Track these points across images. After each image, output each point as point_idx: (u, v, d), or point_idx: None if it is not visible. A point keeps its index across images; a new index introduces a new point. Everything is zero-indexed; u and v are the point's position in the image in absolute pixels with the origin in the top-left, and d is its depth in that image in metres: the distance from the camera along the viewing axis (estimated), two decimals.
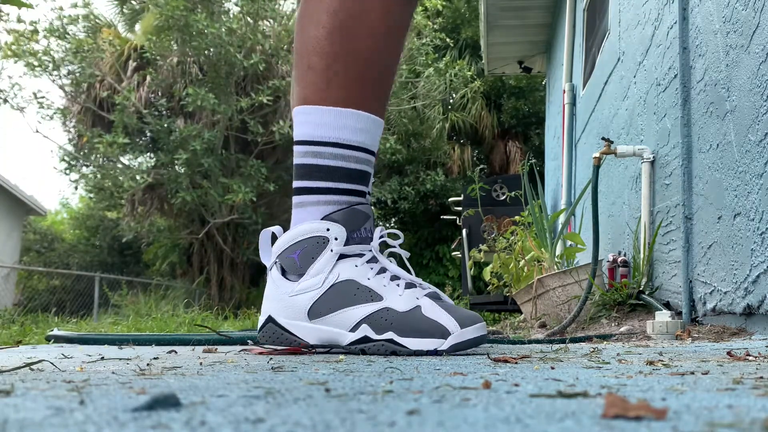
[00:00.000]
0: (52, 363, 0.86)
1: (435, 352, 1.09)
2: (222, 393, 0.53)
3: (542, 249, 3.16)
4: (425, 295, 1.14)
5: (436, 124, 12.90)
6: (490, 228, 5.57)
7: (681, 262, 2.14)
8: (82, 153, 12.29)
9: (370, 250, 1.18)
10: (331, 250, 1.16)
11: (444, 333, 1.09)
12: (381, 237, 1.19)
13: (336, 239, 1.16)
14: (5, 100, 11.46)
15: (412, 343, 1.10)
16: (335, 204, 1.18)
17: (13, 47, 11.18)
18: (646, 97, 2.72)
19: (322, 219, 1.18)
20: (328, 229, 1.17)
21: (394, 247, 1.22)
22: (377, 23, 1.17)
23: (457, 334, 1.09)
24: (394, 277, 1.16)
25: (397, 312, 1.12)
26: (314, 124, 1.18)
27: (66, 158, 12.20)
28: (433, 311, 1.11)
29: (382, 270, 1.16)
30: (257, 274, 14.01)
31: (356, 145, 1.18)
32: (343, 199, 1.19)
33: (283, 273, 1.21)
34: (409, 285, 1.15)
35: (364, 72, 1.18)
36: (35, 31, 11.38)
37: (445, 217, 8.03)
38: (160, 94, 11.91)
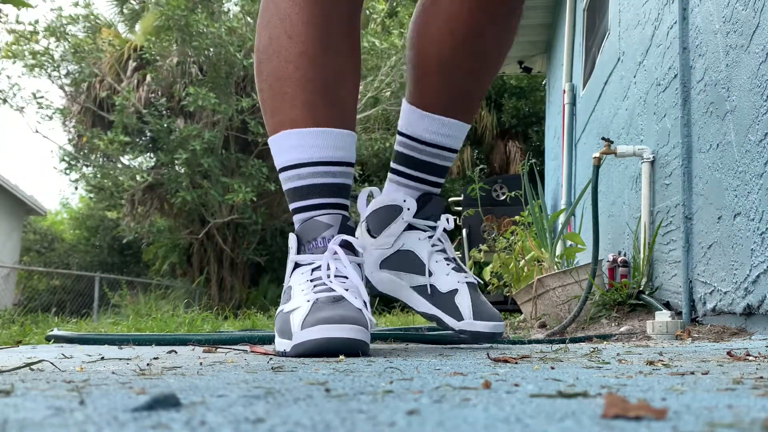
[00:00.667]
0: (52, 363, 0.86)
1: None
2: (222, 393, 0.53)
3: (542, 249, 3.16)
4: (316, 299, 1.11)
5: None
6: (490, 228, 5.57)
7: (681, 262, 2.14)
8: (82, 153, 12.29)
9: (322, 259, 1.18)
10: (291, 260, 1.22)
11: (288, 334, 1.10)
12: (337, 244, 1.18)
13: (291, 249, 1.23)
14: (4, 101, 11.46)
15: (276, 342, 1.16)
16: (300, 221, 1.25)
17: (13, 47, 11.18)
18: (646, 97, 2.72)
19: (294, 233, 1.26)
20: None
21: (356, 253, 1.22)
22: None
23: (296, 342, 1.06)
24: (319, 286, 1.14)
25: (282, 312, 1.15)
26: (274, 155, 1.30)
27: (66, 158, 12.20)
28: (295, 316, 1.10)
29: (317, 278, 1.15)
30: (257, 274, 14.01)
31: (297, 163, 1.24)
32: (305, 215, 1.25)
33: None
34: (323, 291, 1.13)
35: (286, 93, 1.24)
36: (35, 32, 11.38)
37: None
38: (159, 94, 11.91)
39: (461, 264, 1.37)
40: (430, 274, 1.35)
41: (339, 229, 1.20)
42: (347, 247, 1.19)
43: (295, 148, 1.24)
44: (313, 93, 1.23)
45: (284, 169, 1.26)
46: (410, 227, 1.38)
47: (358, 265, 1.21)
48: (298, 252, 1.21)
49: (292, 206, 1.27)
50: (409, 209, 1.35)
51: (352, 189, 1.30)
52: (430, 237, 1.36)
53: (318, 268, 1.16)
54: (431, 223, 1.39)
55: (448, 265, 1.35)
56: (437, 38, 1.34)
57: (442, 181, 1.45)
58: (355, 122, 1.31)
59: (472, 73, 1.39)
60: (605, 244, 3.37)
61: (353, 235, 1.22)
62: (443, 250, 1.37)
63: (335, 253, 1.17)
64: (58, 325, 3.23)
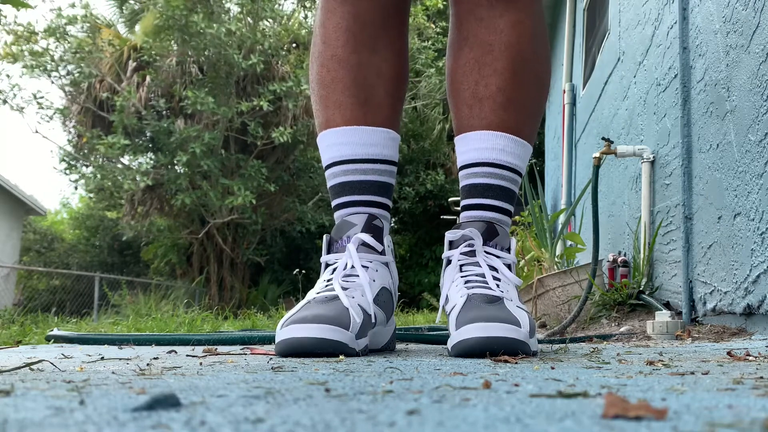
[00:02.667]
0: (52, 363, 0.86)
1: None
2: (222, 393, 0.53)
3: (542, 249, 3.16)
4: (313, 298, 1.11)
5: (436, 124, 12.90)
6: None
7: (681, 262, 2.14)
8: (81, 153, 12.29)
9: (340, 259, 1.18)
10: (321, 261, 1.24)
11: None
12: (357, 243, 1.18)
13: (323, 250, 1.24)
14: (5, 101, 11.47)
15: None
16: (336, 220, 1.27)
17: (13, 47, 11.19)
18: (646, 97, 2.72)
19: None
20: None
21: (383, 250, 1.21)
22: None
23: (277, 341, 1.05)
24: (328, 285, 1.14)
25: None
26: None
27: (66, 158, 12.20)
28: (285, 315, 1.10)
29: (328, 280, 1.16)
30: (257, 274, 14.01)
31: (330, 162, 1.28)
32: (338, 214, 1.27)
33: None
34: (325, 290, 1.13)
35: (322, 96, 1.29)
36: (34, 32, 11.38)
37: (445, 216, 8.03)
38: (159, 94, 11.91)
39: (490, 270, 1.15)
40: (447, 300, 1.17)
41: (362, 228, 1.19)
42: (369, 246, 1.18)
43: (329, 147, 1.27)
44: (343, 93, 1.26)
45: (325, 169, 1.30)
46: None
47: (386, 264, 1.20)
48: (328, 252, 1.22)
49: (334, 203, 1.30)
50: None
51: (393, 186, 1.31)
52: (334, 271, 1.17)
53: (335, 270, 1.16)
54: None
55: (462, 279, 1.15)
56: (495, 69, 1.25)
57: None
58: (397, 120, 1.31)
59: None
60: (605, 244, 3.37)
61: (379, 234, 1.20)
62: (464, 265, 1.17)
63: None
64: (58, 325, 3.22)
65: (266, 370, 0.79)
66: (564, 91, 5.12)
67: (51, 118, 11.89)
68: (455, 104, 1.29)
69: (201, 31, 10.45)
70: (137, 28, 12.72)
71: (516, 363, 0.90)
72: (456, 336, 1.03)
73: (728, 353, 1.04)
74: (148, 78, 11.60)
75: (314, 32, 1.32)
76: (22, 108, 11.56)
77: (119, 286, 10.10)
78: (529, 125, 1.29)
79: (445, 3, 12.77)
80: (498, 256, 1.19)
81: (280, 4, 12.59)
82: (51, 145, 44.39)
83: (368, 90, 1.26)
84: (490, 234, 1.19)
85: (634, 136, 2.91)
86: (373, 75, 1.27)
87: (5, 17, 11.64)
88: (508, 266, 1.20)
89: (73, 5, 12.03)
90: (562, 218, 3.94)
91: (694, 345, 1.45)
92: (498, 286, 1.14)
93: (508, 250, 1.21)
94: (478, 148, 1.24)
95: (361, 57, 1.26)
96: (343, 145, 1.25)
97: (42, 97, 11.59)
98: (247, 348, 1.30)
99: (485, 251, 1.18)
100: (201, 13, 10.59)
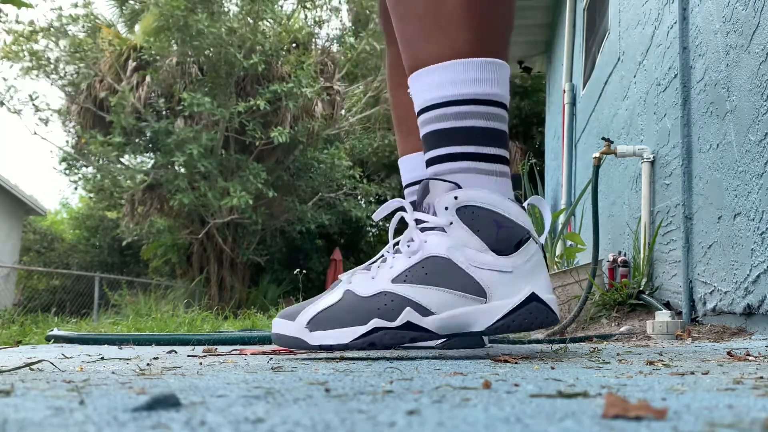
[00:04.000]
0: (52, 363, 0.86)
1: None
2: (222, 393, 0.53)
3: None
4: None
5: None
6: None
7: (681, 262, 2.14)
8: (81, 153, 12.29)
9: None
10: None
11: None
12: None
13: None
14: (2, 103, 11.49)
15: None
16: None
17: (13, 47, 11.20)
18: (646, 97, 2.72)
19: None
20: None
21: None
22: None
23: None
24: None
25: None
26: None
27: (66, 158, 12.21)
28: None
29: None
30: (257, 274, 14.00)
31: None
32: None
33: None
34: None
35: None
36: (34, 31, 11.39)
37: None
38: (159, 93, 11.90)
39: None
40: None
41: None
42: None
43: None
44: (395, 128, 1.50)
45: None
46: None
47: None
48: None
49: None
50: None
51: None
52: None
53: None
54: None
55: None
56: None
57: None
58: None
59: None
60: (605, 244, 3.37)
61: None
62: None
63: None
64: (58, 325, 3.22)
65: (266, 370, 0.79)
66: (564, 91, 5.12)
67: (47, 121, 11.90)
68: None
69: (202, 30, 10.43)
70: (137, 28, 12.71)
71: (516, 363, 0.90)
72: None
73: (728, 353, 1.04)
74: (148, 77, 11.59)
75: None
76: (20, 110, 11.58)
77: (119, 286, 10.10)
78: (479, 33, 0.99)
79: None
80: (421, 222, 1.00)
81: (280, 5, 12.59)
82: (51, 145, 44.44)
83: (407, 122, 1.44)
84: (423, 195, 1.00)
85: (634, 136, 2.91)
86: (408, 108, 1.42)
87: (6, 15, 11.66)
88: (432, 229, 0.99)
89: (75, 5, 12.03)
90: (562, 218, 3.94)
91: (694, 345, 1.45)
92: (379, 266, 1.00)
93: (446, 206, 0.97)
94: (414, 95, 1.05)
95: (397, 97, 1.45)
96: (402, 174, 1.47)
97: (37, 98, 11.62)
98: (236, 349, 1.30)
99: (415, 219, 1.00)
100: (204, 13, 10.58)
